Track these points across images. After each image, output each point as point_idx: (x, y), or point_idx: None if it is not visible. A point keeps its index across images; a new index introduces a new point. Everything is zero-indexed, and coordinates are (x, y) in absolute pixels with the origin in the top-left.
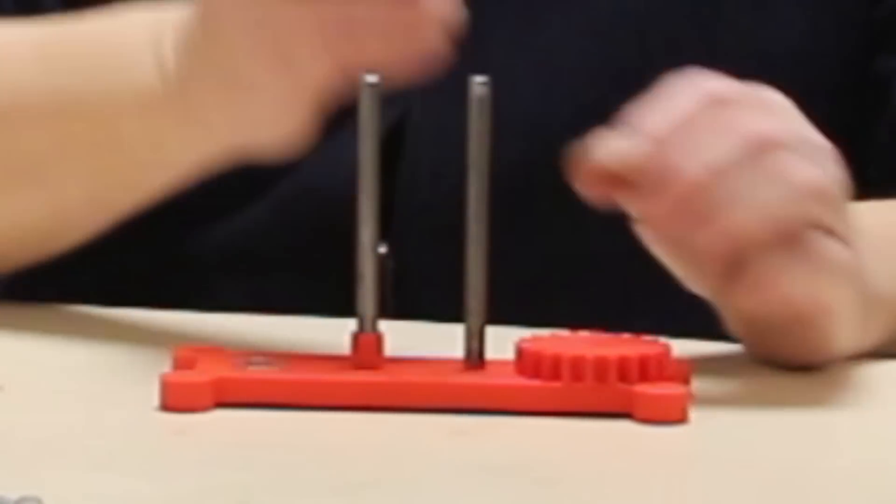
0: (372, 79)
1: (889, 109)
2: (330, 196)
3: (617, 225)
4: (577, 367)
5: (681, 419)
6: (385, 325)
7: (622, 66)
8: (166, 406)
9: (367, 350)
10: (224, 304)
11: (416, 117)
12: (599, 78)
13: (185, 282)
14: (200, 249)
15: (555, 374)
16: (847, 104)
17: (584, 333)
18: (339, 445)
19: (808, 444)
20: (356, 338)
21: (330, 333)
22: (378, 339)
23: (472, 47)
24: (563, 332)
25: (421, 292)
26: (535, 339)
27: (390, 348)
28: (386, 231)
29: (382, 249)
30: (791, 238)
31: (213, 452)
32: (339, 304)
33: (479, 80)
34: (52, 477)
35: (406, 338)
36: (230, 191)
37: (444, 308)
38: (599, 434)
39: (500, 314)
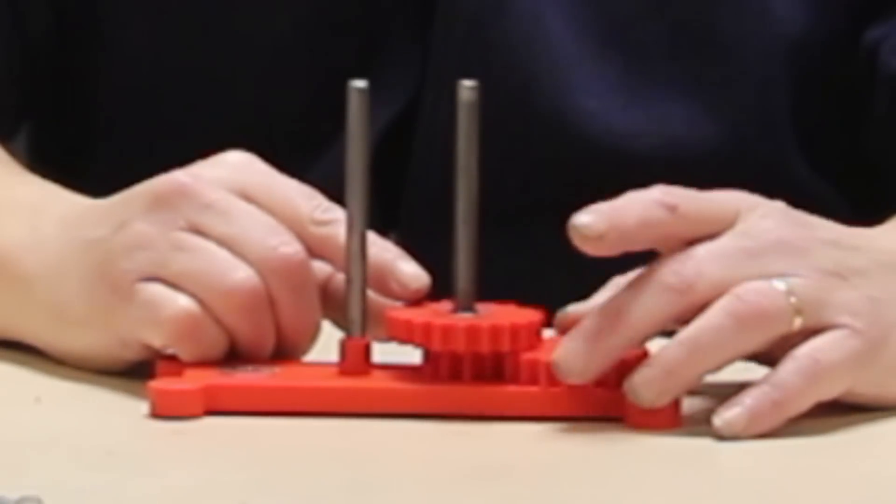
0: (360, 83)
1: (884, 78)
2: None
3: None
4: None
5: (673, 425)
6: None
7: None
8: (156, 414)
9: (355, 356)
10: None
11: (426, 106)
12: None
13: None
14: None
15: (533, 380)
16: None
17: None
18: (336, 447)
19: (801, 451)
20: (344, 344)
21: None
22: (366, 346)
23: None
24: None
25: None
26: None
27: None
28: (395, 220)
29: (391, 238)
30: None
31: (212, 453)
32: None
33: (467, 84)
34: (52, 477)
35: None
36: None
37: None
38: (592, 436)
39: None
